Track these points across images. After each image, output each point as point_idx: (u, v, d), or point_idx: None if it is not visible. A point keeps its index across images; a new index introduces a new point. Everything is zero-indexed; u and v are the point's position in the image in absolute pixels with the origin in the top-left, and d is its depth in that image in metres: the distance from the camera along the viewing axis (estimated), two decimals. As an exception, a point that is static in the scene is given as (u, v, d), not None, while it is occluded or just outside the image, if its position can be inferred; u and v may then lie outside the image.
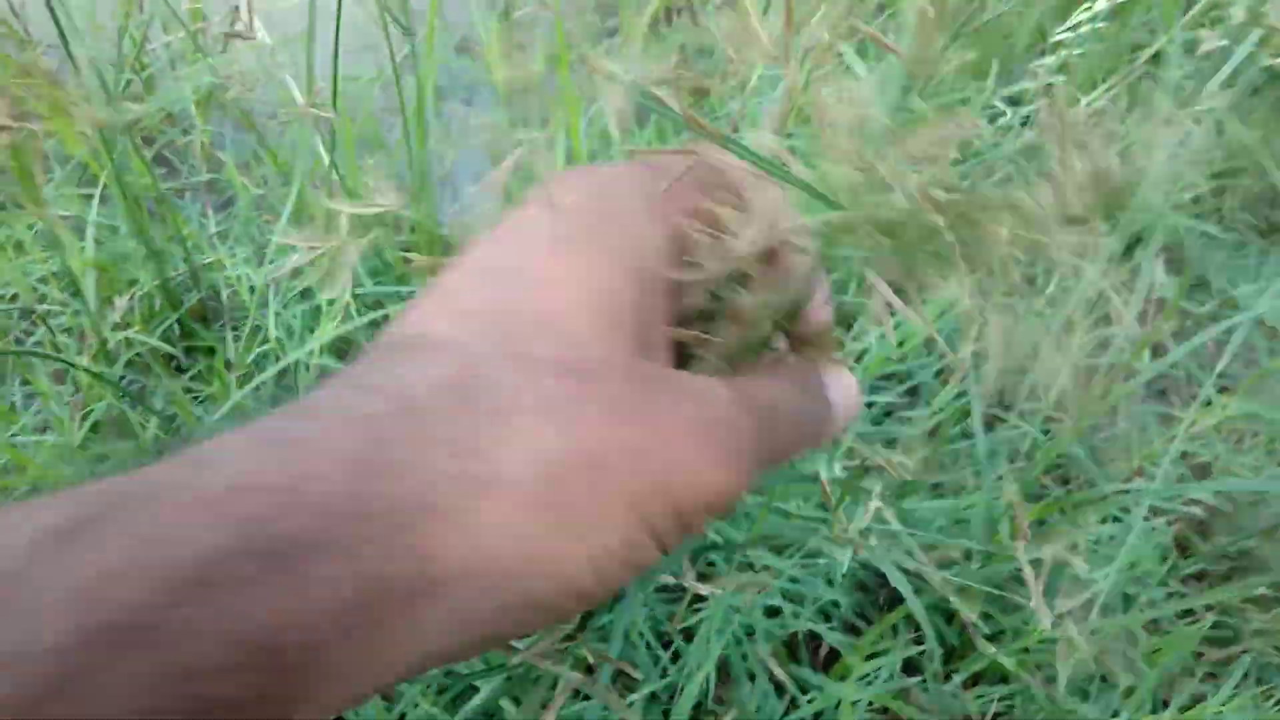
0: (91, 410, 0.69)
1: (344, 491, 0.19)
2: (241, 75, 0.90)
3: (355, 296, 0.79)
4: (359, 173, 0.88)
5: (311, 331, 0.76)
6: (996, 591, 0.66)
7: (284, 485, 0.19)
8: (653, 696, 0.65)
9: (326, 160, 0.78)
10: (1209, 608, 0.73)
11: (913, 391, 0.83)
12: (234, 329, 0.84)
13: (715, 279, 0.28)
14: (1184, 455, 0.78)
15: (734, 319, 0.29)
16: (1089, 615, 0.64)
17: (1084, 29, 0.82)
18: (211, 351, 0.83)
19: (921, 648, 0.67)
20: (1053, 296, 0.91)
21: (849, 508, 0.57)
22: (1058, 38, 0.86)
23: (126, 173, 0.85)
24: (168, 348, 0.69)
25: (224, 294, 0.88)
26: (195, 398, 0.82)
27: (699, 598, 0.67)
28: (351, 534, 0.19)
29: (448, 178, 1.00)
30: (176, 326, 0.83)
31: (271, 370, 0.72)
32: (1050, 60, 0.85)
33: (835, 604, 0.67)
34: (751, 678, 0.67)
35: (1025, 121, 0.94)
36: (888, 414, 0.83)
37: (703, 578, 0.52)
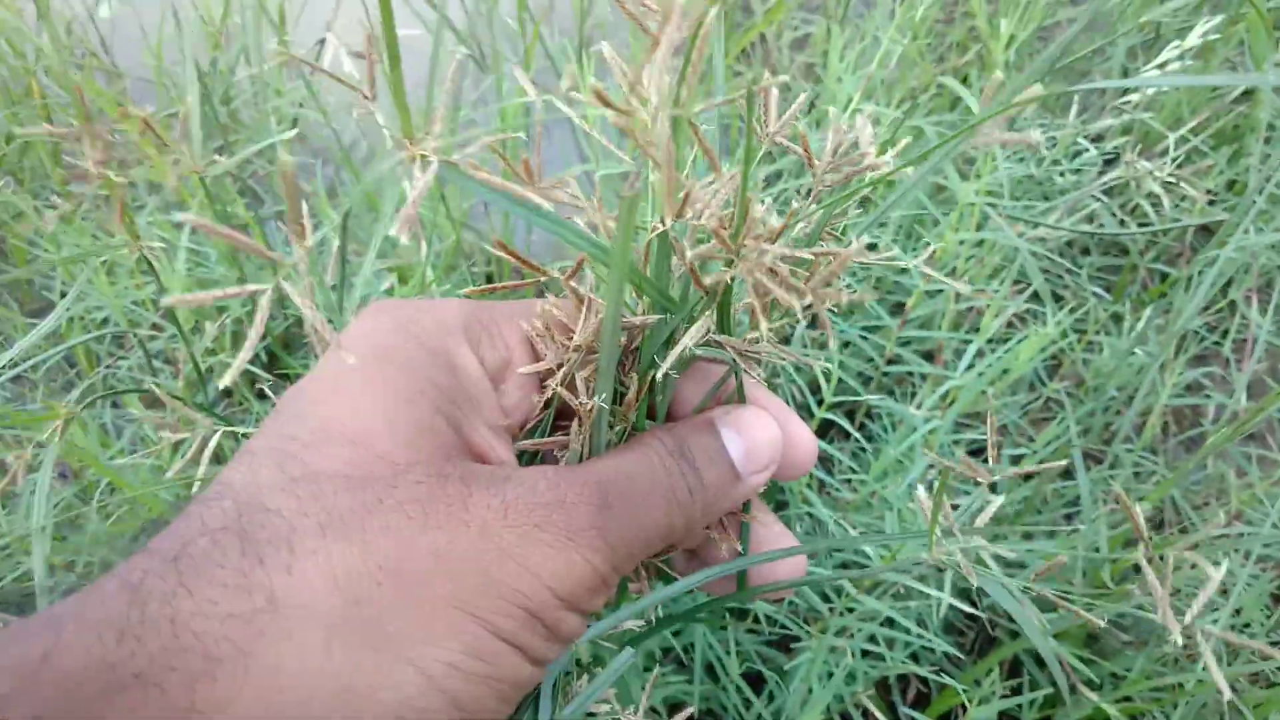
0: (186, 439, 0.69)
1: (97, 662, 0.18)
2: (327, 108, 0.92)
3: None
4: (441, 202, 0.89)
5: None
6: (1094, 636, 0.64)
7: (29, 662, 0.18)
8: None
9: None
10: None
11: (1001, 430, 0.81)
12: (316, 356, 0.85)
13: (563, 371, 0.30)
14: (1285, 501, 0.76)
15: (576, 410, 0.30)
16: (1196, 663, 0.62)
17: (1172, 66, 0.81)
18: (296, 378, 0.84)
19: (1019, 698, 0.66)
20: (1142, 334, 0.89)
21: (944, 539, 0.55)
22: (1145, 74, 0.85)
23: (216, 202, 0.87)
24: (260, 372, 0.70)
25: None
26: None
27: (791, 637, 0.65)
28: (104, 707, 0.18)
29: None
30: (264, 353, 0.85)
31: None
32: (1135, 97, 0.84)
33: (929, 649, 0.66)
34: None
35: (1110, 160, 0.93)
36: (974, 453, 0.81)
37: (797, 614, 0.51)
